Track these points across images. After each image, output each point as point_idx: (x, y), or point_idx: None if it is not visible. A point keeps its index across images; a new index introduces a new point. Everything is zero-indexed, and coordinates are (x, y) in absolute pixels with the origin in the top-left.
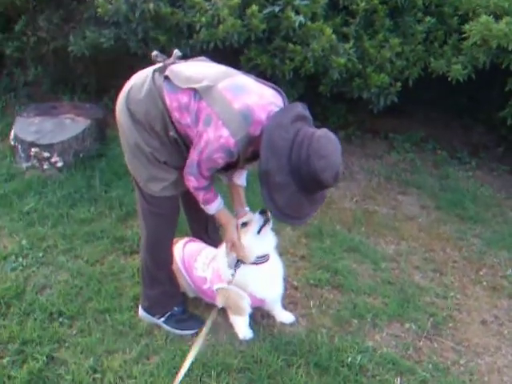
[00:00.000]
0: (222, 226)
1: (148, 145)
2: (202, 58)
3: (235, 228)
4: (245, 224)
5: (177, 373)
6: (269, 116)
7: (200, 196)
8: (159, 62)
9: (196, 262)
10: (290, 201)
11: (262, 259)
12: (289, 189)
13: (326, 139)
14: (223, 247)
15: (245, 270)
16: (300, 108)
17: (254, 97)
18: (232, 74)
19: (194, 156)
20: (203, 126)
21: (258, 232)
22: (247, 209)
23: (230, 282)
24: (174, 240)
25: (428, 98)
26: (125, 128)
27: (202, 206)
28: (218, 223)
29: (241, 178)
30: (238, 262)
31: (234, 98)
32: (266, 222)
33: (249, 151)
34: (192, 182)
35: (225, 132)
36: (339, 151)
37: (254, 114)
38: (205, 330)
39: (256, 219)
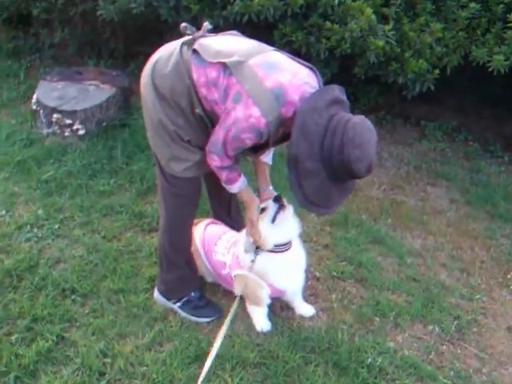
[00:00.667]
0: (244, 204)
1: (172, 122)
2: (234, 31)
3: (257, 208)
4: (263, 209)
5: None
6: (302, 97)
7: (223, 175)
8: (188, 34)
9: (216, 245)
10: (318, 189)
11: (283, 248)
12: (318, 176)
13: (362, 127)
14: (244, 232)
15: (264, 258)
16: (337, 91)
17: (288, 75)
18: (265, 50)
19: (219, 134)
20: (232, 103)
21: (273, 221)
22: (271, 188)
23: (249, 269)
24: (196, 221)
25: (461, 85)
26: (149, 103)
27: (224, 185)
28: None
29: (267, 156)
30: (258, 248)
31: (266, 76)
32: (279, 209)
33: (279, 133)
34: (215, 162)
35: (255, 111)
36: (375, 140)
37: (287, 94)
38: (226, 323)
39: (270, 206)
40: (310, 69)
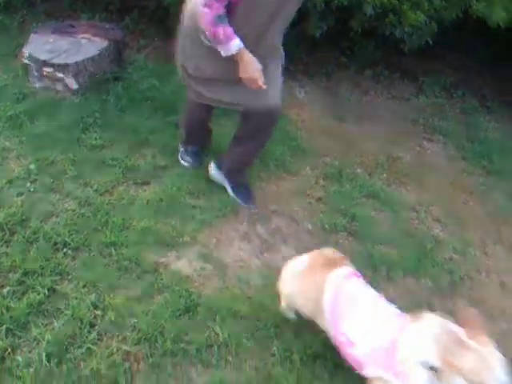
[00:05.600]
0: (244, 62)
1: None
2: None
3: (259, 67)
4: None
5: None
6: None
7: (220, 33)
8: None
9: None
10: None
11: None
12: None
13: None
14: None
15: None
16: None
17: None
18: None
19: None
20: None
21: None
22: None
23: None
24: (330, 257)
25: (462, 43)
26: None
27: (222, 48)
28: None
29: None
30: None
31: None
32: None
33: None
34: (207, 15)
35: None
36: None
37: None
38: None
39: None
40: None
